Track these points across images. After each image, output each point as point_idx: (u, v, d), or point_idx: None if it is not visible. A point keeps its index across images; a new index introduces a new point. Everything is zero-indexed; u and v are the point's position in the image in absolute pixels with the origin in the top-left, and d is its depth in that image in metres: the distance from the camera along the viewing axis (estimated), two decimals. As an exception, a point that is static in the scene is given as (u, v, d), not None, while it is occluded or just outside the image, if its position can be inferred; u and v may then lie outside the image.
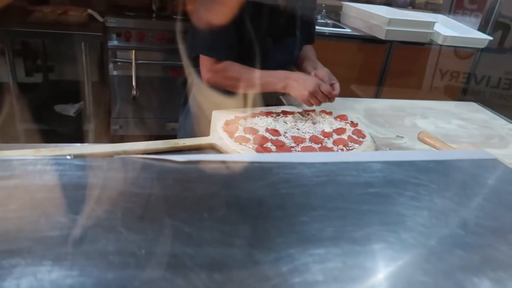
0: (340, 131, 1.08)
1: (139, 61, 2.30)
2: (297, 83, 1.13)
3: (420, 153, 0.67)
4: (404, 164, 0.47)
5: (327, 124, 1.12)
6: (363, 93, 2.50)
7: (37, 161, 0.39)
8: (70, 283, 0.26)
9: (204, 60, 1.18)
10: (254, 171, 0.42)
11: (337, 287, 0.28)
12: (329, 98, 1.14)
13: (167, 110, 2.45)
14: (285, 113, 1.18)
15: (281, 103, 1.35)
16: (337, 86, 1.17)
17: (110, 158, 0.41)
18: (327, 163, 0.44)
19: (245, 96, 1.16)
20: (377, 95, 2.55)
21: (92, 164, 0.40)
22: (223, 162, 0.43)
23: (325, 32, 2.46)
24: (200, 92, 1.24)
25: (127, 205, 0.35)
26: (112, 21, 2.25)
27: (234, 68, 1.18)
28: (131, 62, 2.28)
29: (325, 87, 1.11)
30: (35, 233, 0.30)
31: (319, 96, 1.11)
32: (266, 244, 0.32)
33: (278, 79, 1.16)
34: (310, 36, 1.40)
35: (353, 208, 0.38)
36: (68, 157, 0.39)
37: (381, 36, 2.41)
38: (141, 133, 2.44)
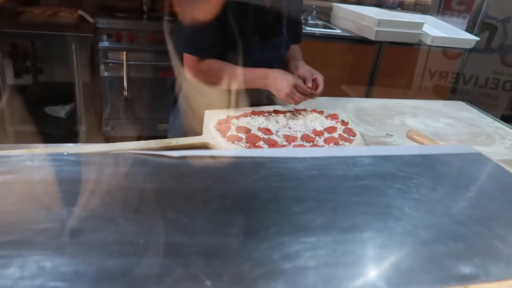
0: (331, 129, 1.10)
1: (130, 62, 2.30)
2: (275, 84, 1.15)
3: (408, 148, 0.69)
4: (392, 158, 0.48)
5: (318, 123, 1.14)
6: (354, 93, 2.52)
7: (35, 157, 0.40)
8: (72, 271, 0.27)
9: (187, 58, 1.19)
10: (247, 165, 0.44)
11: (328, 272, 0.30)
12: (311, 94, 1.16)
13: (158, 110, 2.45)
14: (276, 112, 1.20)
15: (272, 103, 1.36)
16: (319, 79, 1.18)
17: (107, 154, 0.42)
18: (318, 158, 0.46)
19: (236, 95, 1.17)
20: (367, 95, 2.58)
21: (89, 159, 0.41)
22: (217, 157, 0.45)
23: (315, 33, 2.48)
24: (190, 91, 1.25)
25: (124, 198, 0.36)
26: (103, 22, 2.25)
27: (216, 66, 1.19)
28: (122, 63, 2.28)
29: (302, 87, 1.13)
30: (36, 224, 0.31)
31: (297, 97, 1.13)
32: (260, 234, 0.33)
33: (257, 78, 1.18)
34: (297, 35, 1.41)
35: (343, 199, 0.39)
36: (65, 153, 0.40)
37: (371, 36, 2.44)
38: (132, 134, 2.43)
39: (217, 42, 1.17)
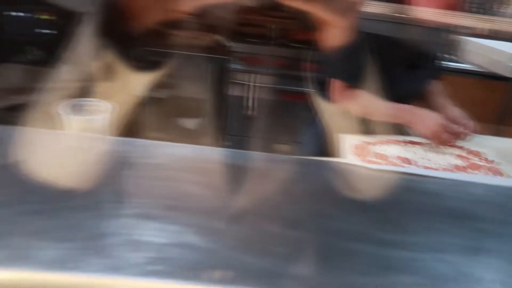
0: (475, 166, 1.07)
1: (257, 84, 2.46)
2: (421, 120, 1.15)
3: None
4: None
5: (459, 159, 1.11)
6: (484, 131, 2.36)
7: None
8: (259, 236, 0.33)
9: (335, 84, 1.24)
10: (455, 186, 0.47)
11: None
12: (460, 135, 1.14)
13: (278, 132, 2.56)
14: (412, 143, 1.19)
15: (405, 134, 1.36)
16: (470, 125, 1.16)
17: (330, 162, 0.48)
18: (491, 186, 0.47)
19: (374, 123, 1.19)
20: (501, 134, 2.39)
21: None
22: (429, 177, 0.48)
23: (445, 67, 2.40)
24: (328, 115, 1.30)
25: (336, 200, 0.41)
26: (235, 46, 2.46)
27: (364, 97, 1.22)
28: (249, 85, 2.46)
29: (451, 128, 1.11)
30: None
31: (444, 136, 1.11)
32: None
33: (403, 113, 1.19)
34: (436, 71, 1.40)
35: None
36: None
37: (505, 73, 2.28)
38: (250, 151, 2.57)
39: (365, 70, 1.20)
